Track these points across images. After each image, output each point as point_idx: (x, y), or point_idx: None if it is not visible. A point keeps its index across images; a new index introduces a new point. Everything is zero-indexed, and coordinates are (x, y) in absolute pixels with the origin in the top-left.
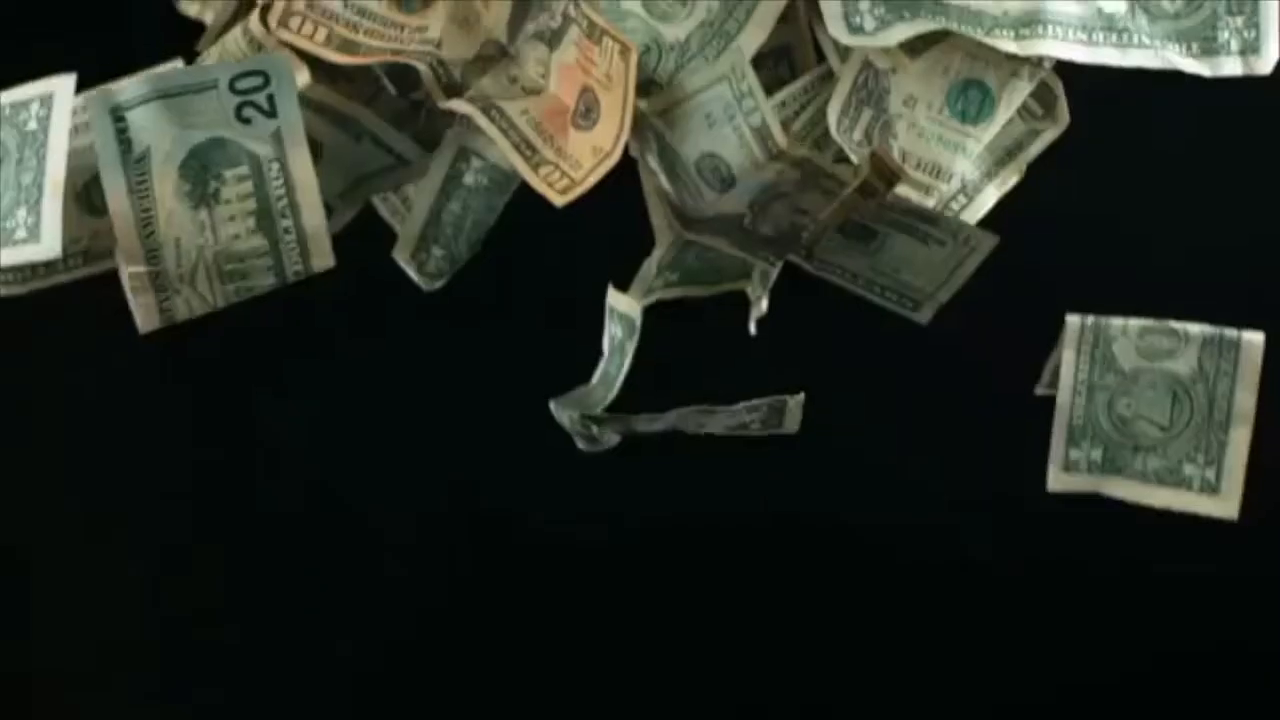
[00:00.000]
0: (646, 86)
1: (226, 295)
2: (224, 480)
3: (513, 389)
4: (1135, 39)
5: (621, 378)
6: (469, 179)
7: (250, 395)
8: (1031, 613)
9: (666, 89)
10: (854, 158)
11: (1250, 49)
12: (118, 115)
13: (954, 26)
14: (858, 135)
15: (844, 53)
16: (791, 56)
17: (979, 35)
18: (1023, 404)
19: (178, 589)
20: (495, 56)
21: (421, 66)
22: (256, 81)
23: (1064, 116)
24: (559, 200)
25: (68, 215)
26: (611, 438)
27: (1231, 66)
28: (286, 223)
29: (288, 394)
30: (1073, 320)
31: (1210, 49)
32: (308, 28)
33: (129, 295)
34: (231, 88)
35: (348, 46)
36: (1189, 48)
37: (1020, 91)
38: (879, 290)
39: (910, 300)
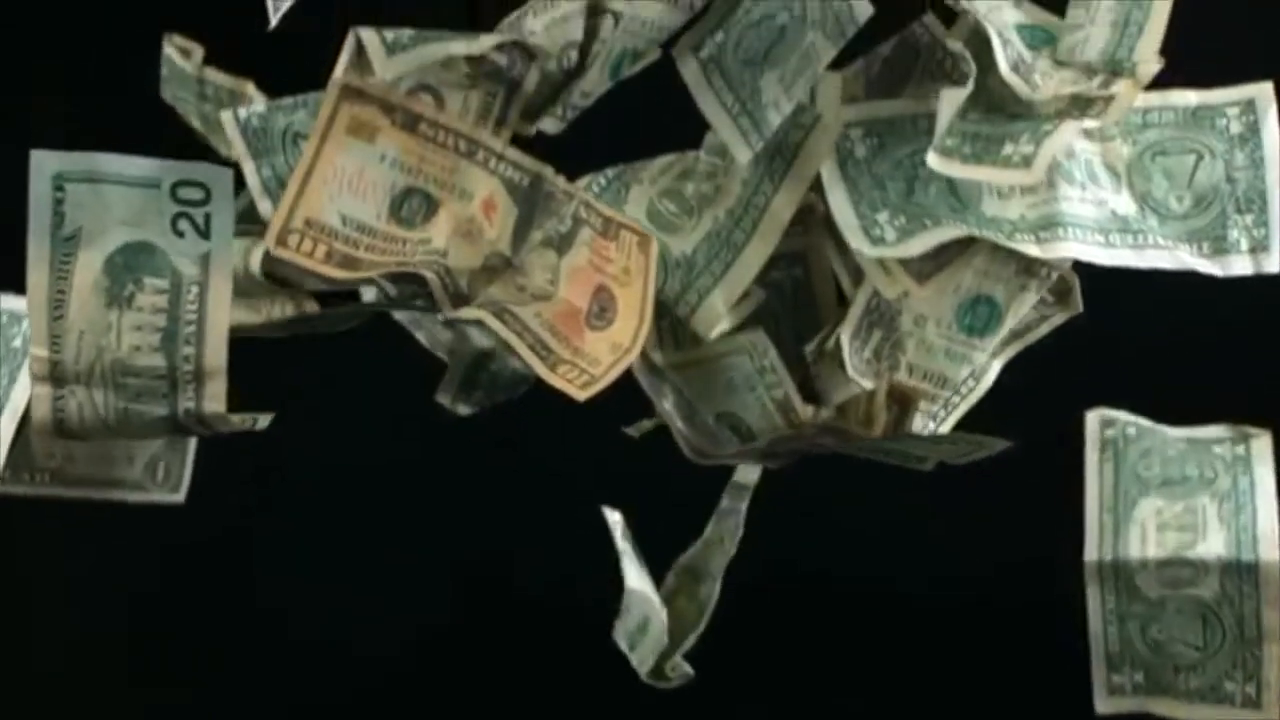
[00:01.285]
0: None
1: (118, 414)
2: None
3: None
4: (1150, 239)
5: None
6: None
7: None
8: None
9: (685, 348)
10: (863, 381)
11: (1260, 246)
12: (58, 184)
13: (976, 232)
14: (867, 354)
15: (855, 273)
16: (806, 261)
17: (1000, 239)
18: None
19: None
20: (500, 267)
21: (429, 274)
22: (198, 194)
23: (1078, 304)
24: (580, 395)
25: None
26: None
27: (1242, 265)
28: (189, 351)
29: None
30: (1090, 559)
31: (1221, 248)
32: (306, 245)
33: (30, 381)
34: (173, 193)
35: (349, 263)
36: (1200, 247)
37: (1027, 302)
38: (883, 456)
39: (916, 461)
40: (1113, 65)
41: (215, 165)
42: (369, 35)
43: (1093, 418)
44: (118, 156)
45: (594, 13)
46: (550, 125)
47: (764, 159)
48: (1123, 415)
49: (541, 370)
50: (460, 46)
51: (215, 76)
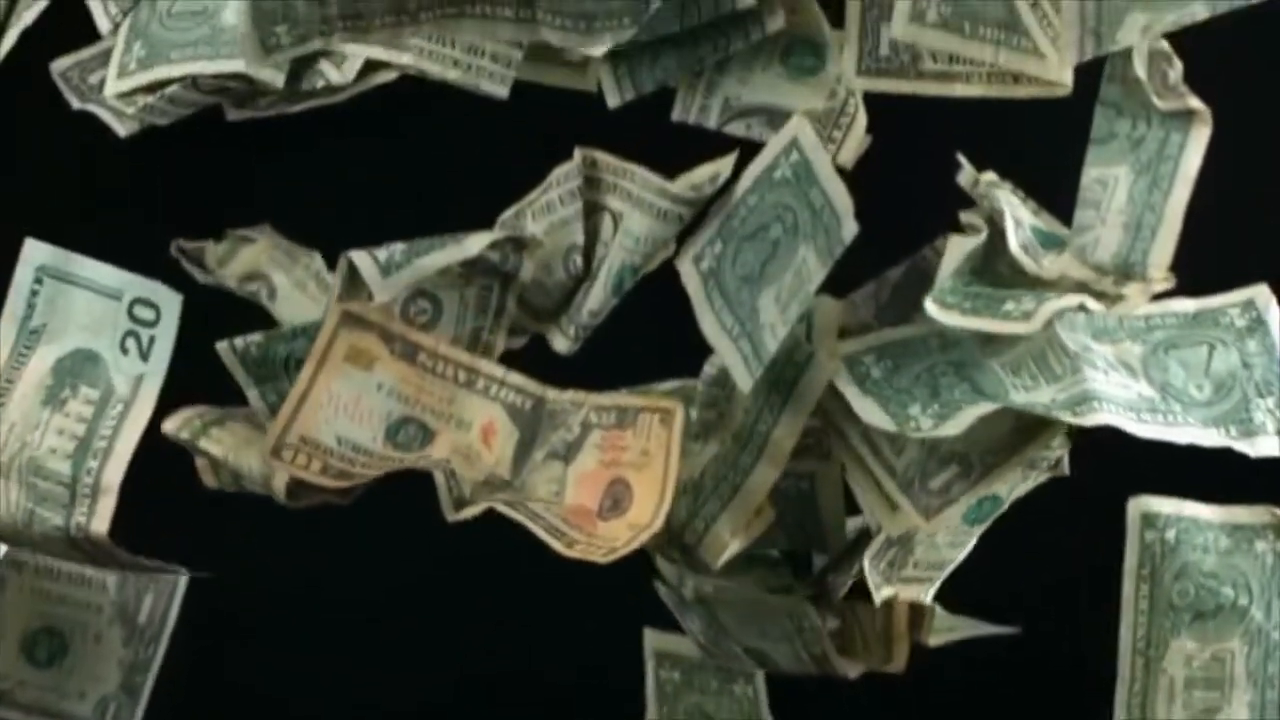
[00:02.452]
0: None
1: (25, 515)
2: None
3: None
4: (1179, 419)
5: None
6: None
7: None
8: None
9: (718, 576)
10: (878, 594)
11: None
12: (39, 277)
13: (1014, 404)
14: (883, 565)
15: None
16: (814, 478)
17: (1039, 410)
18: None
19: None
20: (501, 486)
21: (436, 472)
22: (150, 315)
23: (1064, 469)
24: (603, 561)
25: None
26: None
27: (1270, 446)
28: (93, 464)
29: None
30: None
31: (1248, 430)
32: (301, 459)
33: None
34: (130, 309)
35: (345, 475)
36: (1228, 430)
37: (1026, 487)
38: None
39: None
40: (1125, 268)
41: (169, 289)
42: (361, 259)
43: (1135, 510)
44: (94, 262)
45: (591, 212)
46: (562, 344)
47: (763, 389)
48: (1166, 508)
49: (558, 547)
50: (455, 252)
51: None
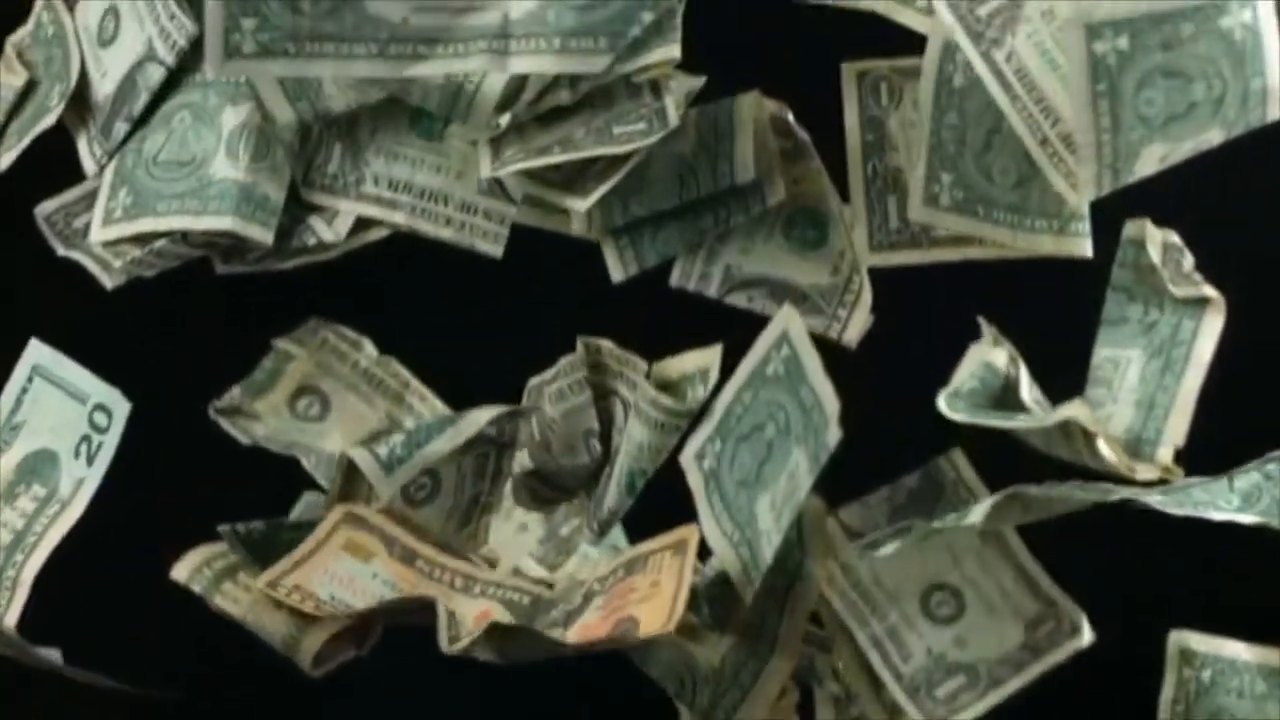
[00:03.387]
0: None
1: None
2: None
3: None
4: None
5: None
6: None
7: None
8: None
9: None
10: None
11: None
12: (31, 376)
13: None
14: None
15: None
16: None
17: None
18: None
19: None
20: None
21: (438, 605)
22: (104, 421)
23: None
24: None
25: None
26: None
27: None
28: (18, 559)
29: None
30: None
31: None
32: (295, 596)
33: None
34: (91, 414)
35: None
36: None
37: None
38: None
39: None
40: (1136, 445)
41: (122, 396)
42: (362, 457)
43: (1174, 646)
44: (74, 365)
45: (601, 397)
46: (589, 538)
47: (763, 591)
48: (1204, 646)
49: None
50: (455, 436)
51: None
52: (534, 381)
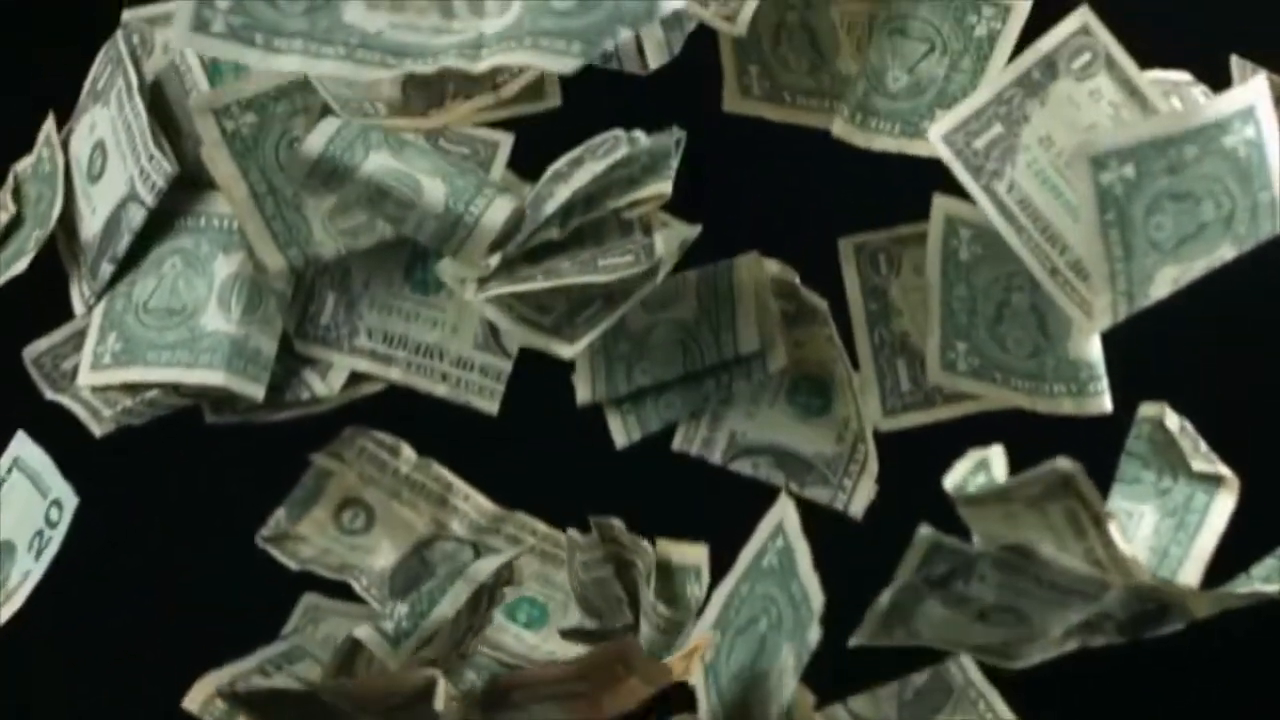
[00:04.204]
0: None
1: None
2: None
3: None
4: None
5: None
6: None
7: None
8: None
9: None
10: None
11: None
12: (10, 467)
13: None
14: None
15: None
16: None
17: None
18: None
19: None
20: None
21: None
22: (56, 516)
23: None
24: None
25: None
26: None
27: None
28: None
29: None
30: None
31: None
32: None
33: None
34: (48, 509)
35: None
36: None
37: None
38: None
39: None
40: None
41: (71, 491)
42: (369, 636)
43: None
44: (47, 460)
45: (622, 570)
46: None
47: None
48: None
49: None
50: (457, 598)
51: None
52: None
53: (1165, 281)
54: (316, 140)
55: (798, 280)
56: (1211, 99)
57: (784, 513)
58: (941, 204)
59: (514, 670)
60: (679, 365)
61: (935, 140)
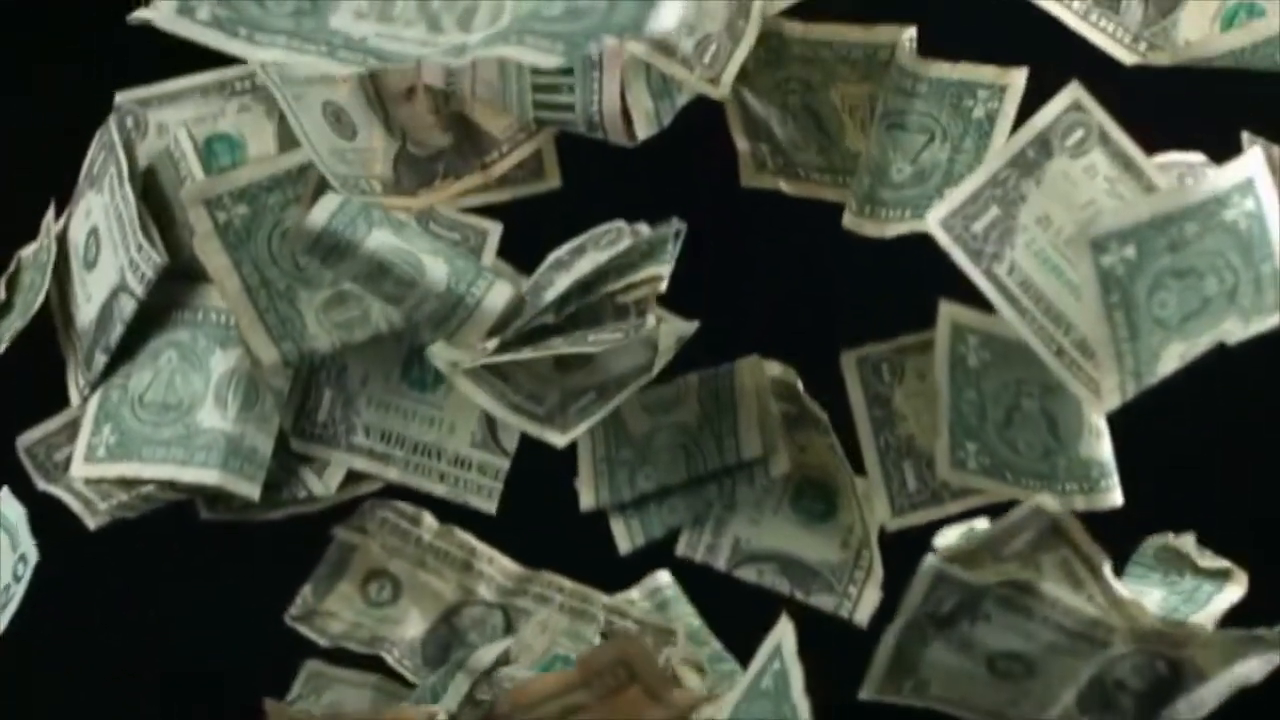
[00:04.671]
0: None
1: None
2: None
3: None
4: None
5: None
6: None
7: None
8: None
9: None
10: None
11: None
12: None
13: None
14: None
15: None
16: None
17: None
18: None
19: None
20: None
21: None
22: (21, 570)
23: None
24: None
25: None
26: None
27: None
28: None
29: None
30: None
31: None
32: None
33: None
34: (15, 565)
35: None
36: None
37: None
38: None
39: None
40: None
41: (35, 547)
42: None
43: None
44: (22, 515)
45: None
46: None
47: None
48: None
49: None
50: (460, 688)
51: None
52: None
53: (1172, 358)
54: (320, 214)
55: (800, 385)
56: (1209, 174)
57: (783, 635)
58: (948, 311)
59: (514, 688)
60: (682, 470)
61: (933, 227)
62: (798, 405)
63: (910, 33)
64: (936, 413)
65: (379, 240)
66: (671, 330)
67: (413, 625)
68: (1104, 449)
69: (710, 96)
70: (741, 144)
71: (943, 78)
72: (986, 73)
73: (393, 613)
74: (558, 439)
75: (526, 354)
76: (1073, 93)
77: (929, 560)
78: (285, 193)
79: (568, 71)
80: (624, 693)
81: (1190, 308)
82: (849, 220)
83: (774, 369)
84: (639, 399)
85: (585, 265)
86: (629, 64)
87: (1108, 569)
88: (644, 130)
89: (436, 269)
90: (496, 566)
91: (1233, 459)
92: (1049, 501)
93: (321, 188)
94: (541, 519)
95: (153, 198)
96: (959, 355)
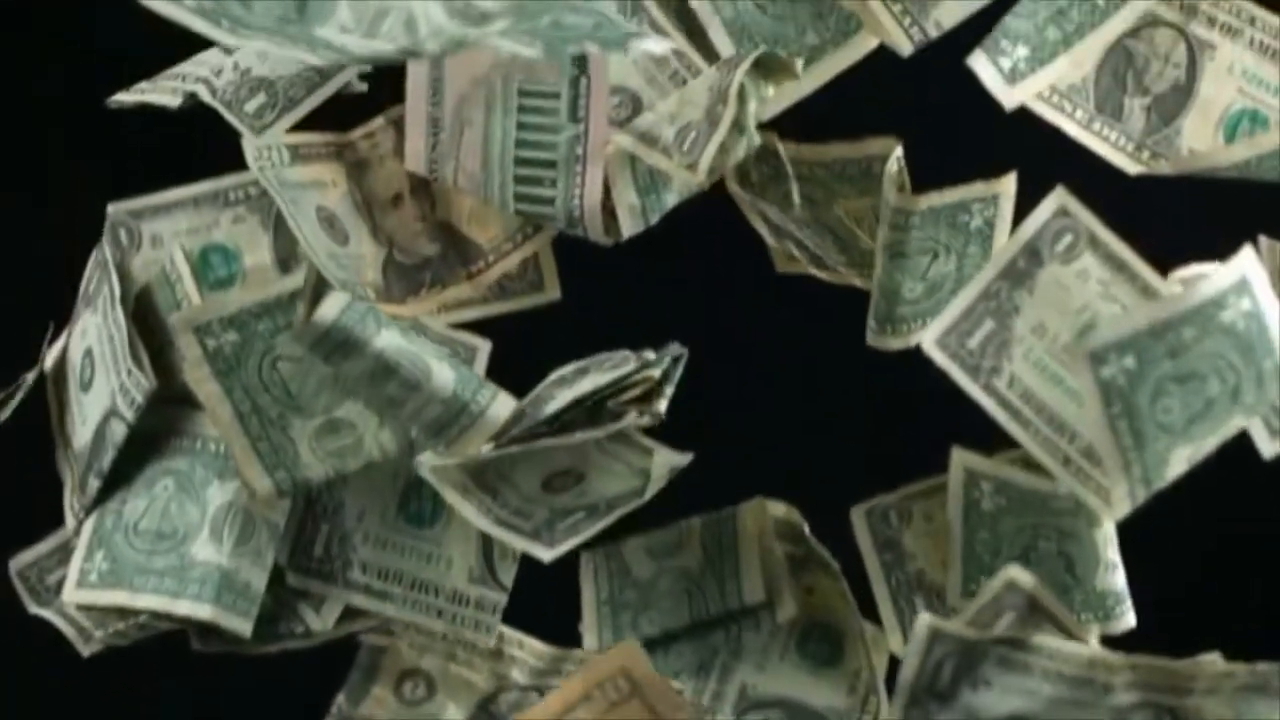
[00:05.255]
0: None
1: None
2: None
3: None
4: None
5: None
6: None
7: None
8: None
9: None
10: None
11: None
12: None
13: None
14: None
15: None
16: None
17: None
18: None
19: None
20: None
21: None
22: None
23: None
24: None
25: None
26: None
27: None
28: None
29: None
30: None
31: None
32: None
33: None
34: None
35: None
36: None
37: None
38: None
39: None
40: None
41: None
42: None
43: None
44: None
45: None
46: None
47: None
48: None
49: None
50: None
51: None
52: None
53: (1180, 461)
54: (330, 309)
55: (805, 527)
56: (1205, 278)
57: None
58: (960, 458)
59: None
60: (685, 614)
61: (928, 347)
62: (803, 547)
63: (898, 152)
64: (948, 550)
65: (387, 340)
66: (665, 460)
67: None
68: (1119, 580)
69: (690, 184)
70: (769, 240)
71: (934, 206)
72: (976, 189)
73: (430, 709)
74: (545, 553)
75: (514, 450)
76: (1058, 198)
77: (923, 619)
78: (275, 319)
79: (550, 164)
80: (625, 705)
81: (1194, 410)
82: (871, 339)
83: (778, 509)
84: (642, 542)
85: (587, 385)
86: (614, 157)
87: (1094, 640)
88: (629, 227)
89: (443, 373)
90: (527, 650)
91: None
92: (1022, 575)
93: (320, 287)
94: (565, 599)
95: (148, 320)
96: (973, 499)
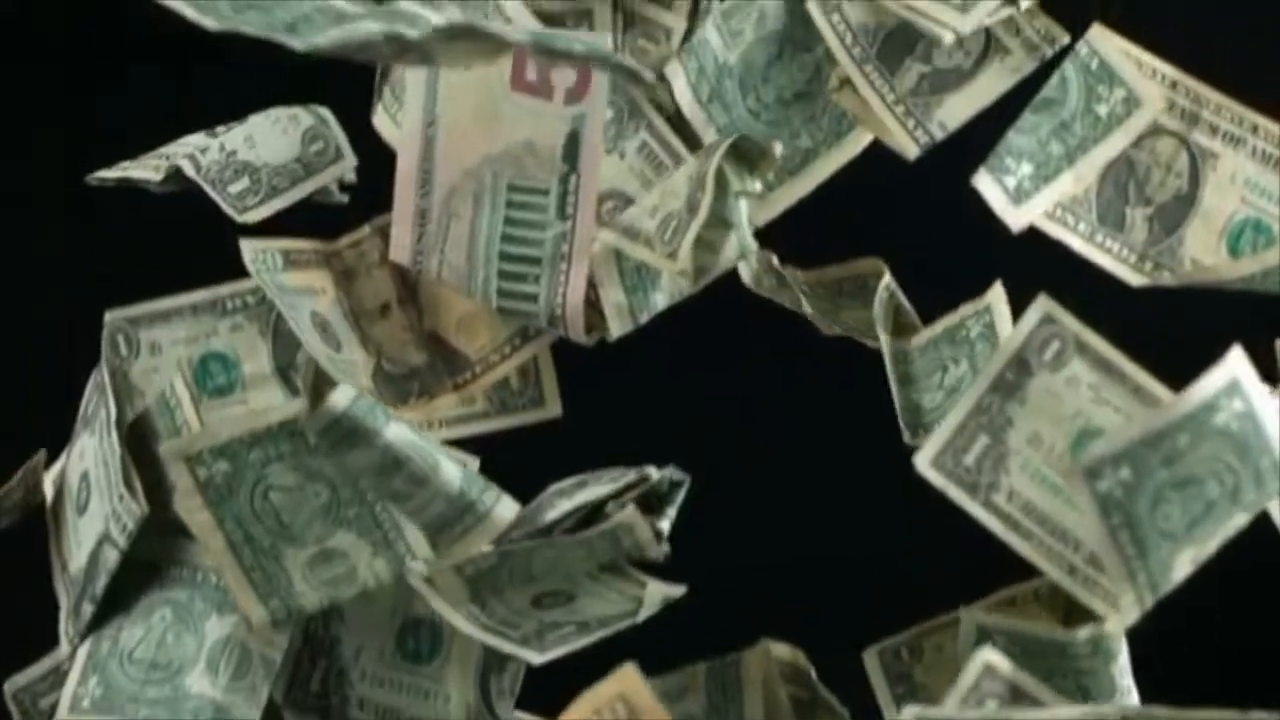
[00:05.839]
0: None
1: None
2: None
3: None
4: None
5: None
6: None
7: None
8: None
9: None
10: None
11: None
12: None
13: None
14: None
15: None
16: None
17: None
18: None
19: None
20: None
21: None
22: None
23: None
24: None
25: None
26: None
27: None
28: None
29: None
30: None
31: None
32: None
33: None
34: None
35: None
36: None
37: None
38: None
39: None
40: None
41: None
42: None
43: None
44: None
45: None
46: None
47: None
48: None
49: None
50: None
51: None
52: None
53: (1185, 564)
54: (340, 399)
55: (812, 672)
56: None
57: None
58: (970, 615)
59: None
60: None
61: (924, 469)
62: (809, 690)
63: (886, 279)
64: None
65: (396, 433)
66: (658, 590)
67: None
68: (1133, 701)
69: (680, 284)
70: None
71: (930, 337)
72: (964, 309)
73: None
74: (534, 657)
75: (514, 548)
76: (1042, 306)
77: (908, 710)
78: (266, 450)
79: (535, 260)
80: None
81: (1195, 514)
82: (909, 439)
83: (782, 652)
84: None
85: (586, 496)
86: (600, 255)
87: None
88: (617, 327)
89: (450, 470)
90: None
91: None
92: (995, 657)
93: (319, 381)
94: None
95: (148, 445)
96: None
